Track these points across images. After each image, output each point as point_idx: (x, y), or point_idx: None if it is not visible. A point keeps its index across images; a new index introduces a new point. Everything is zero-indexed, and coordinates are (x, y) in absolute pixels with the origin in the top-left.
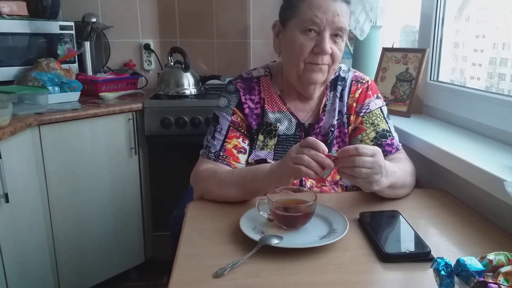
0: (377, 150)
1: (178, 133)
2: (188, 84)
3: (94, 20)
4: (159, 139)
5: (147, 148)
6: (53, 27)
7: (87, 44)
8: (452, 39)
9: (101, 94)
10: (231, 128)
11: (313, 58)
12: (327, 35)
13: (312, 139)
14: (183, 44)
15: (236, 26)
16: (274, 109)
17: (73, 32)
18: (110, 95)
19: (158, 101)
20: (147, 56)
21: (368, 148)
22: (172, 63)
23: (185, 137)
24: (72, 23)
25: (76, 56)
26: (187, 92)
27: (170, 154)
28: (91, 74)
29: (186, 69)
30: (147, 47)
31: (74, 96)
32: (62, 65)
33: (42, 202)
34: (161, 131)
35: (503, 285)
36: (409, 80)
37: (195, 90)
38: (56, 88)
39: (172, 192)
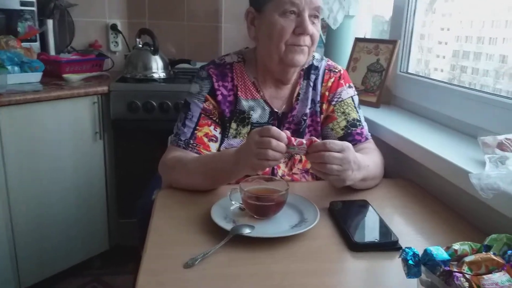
0: (346, 146)
1: (146, 117)
2: (157, 67)
3: None
4: (126, 123)
5: (113, 133)
6: (12, 2)
7: (49, 22)
8: (418, 30)
9: (64, 75)
10: (202, 115)
11: (295, 39)
12: (306, 15)
13: (275, 129)
14: (152, 25)
15: (207, 9)
16: (248, 97)
17: (34, 8)
18: (74, 77)
19: (125, 84)
20: (114, 37)
21: (337, 144)
22: (140, 45)
23: (152, 122)
24: None
25: (38, 35)
26: (156, 75)
27: (137, 139)
28: (53, 54)
29: (154, 52)
30: (114, 27)
31: (36, 76)
32: (22, 44)
33: (0, 189)
34: (128, 116)
35: (467, 273)
36: (380, 71)
37: (164, 74)
38: (16, 68)
39: (138, 178)
